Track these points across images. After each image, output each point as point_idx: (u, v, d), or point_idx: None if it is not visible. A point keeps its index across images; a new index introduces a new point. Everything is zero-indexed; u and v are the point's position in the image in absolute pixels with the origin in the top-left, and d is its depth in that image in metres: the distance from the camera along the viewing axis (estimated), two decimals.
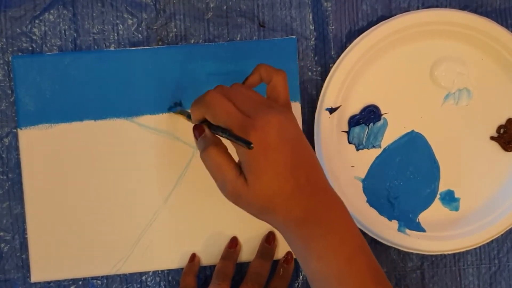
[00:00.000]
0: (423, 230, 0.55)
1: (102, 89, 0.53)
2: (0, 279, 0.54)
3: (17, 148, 0.54)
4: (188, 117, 0.51)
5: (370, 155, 0.56)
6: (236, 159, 0.43)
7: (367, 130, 0.55)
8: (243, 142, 0.40)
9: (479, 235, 0.55)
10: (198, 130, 0.44)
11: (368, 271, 0.43)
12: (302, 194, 0.41)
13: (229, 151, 0.43)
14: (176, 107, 0.54)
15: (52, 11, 0.54)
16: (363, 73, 0.55)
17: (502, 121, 0.56)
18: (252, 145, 0.39)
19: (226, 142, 0.43)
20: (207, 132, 0.44)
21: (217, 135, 0.43)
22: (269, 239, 0.54)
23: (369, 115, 0.55)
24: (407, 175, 0.56)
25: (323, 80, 0.55)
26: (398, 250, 0.56)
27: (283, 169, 0.40)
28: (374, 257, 0.44)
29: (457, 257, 0.57)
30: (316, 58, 0.55)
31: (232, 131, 0.41)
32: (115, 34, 0.54)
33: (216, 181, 0.43)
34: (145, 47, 0.54)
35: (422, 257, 0.57)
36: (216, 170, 0.43)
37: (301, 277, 0.56)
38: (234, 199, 0.43)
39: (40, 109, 0.53)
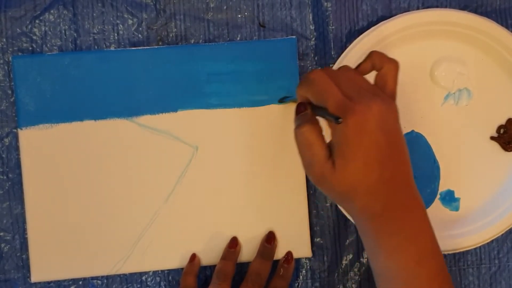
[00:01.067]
0: None
1: (102, 89, 0.53)
2: (0, 279, 0.54)
3: (17, 148, 0.54)
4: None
5: None
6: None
7: None
8: (333, 117, 0.39)
9: (479, 235, 0.55)
10: (300, 107, 0.44)
11: (437, 276, 0.42)
12: (384, 189, 0.41)
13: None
14: (287, 98, 0.54)
15: (52, 11, 0.54)
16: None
17: (502, 121, 0.56)
18: (340, 119, 0.39)
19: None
20: (308, 110, 0.43)
21: (316, 115, 0.43)
22: (269, 239, 0.54)
23: None
24: None
25: None
26: None
27: (373, 159, 0.40)
28: (444, 263, 0.43)
29: (457, 257, 0.57)
30: (316, 58, 0.55)
31: (328, 109, 0.40)
32: (115, 34, 0.54)
33: (303, 160, 0.43)
34: (145, 47, 0.54)
35: None
36: (307, 148, 0.42)
37: (301, 277, 0.56)
38: (317, 181, 0.42)
39: (40, 109, 0.53)
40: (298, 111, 0.44)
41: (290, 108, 0.54)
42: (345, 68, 0.44)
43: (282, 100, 0.54)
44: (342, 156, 0.40)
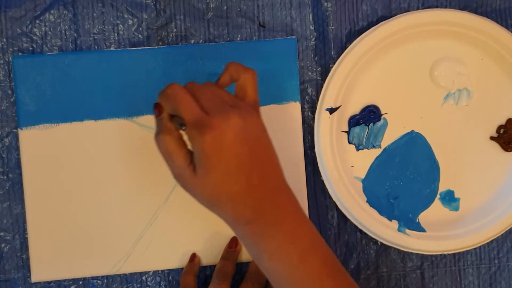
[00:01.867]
0: (423, 230, 0.55)
1: (102, 89, 0.53)
2: (0, 279, 0.54)
3: (17, 148, 0.54)
4: None
5: (370, 155, 0.56)
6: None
7: (367, 130, 0.55)
8: (179, 124, 0.41)
9: (479, 235, 0.55)
10: (157, 108, 0.44)
11: (324, 266, 0.43)
12: (252, 195, 0.41)
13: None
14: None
15: (52, 11, 0.54)
16: (363, 73, 0.55)
17: (502, 121, 0.56)
18: (184, 127, 0.40)
19: None
20: (164, 115, 0.44)
21: (173, 122, 0.44)
22: None
23: (369, 115, 0.55)
24: (407, 175, 0.56)
25: (323, 80, 0.55)
26: (398, 250, 0.56)
27: (234, 169, 0.40)
28: (331, 251, 0.44)
29: (457, 257, 0.57)
30: (316, 58, 0.55)
31: (184, 122, 0.41)
32: (116, 34, 0.54)
33: (167, 165, 0.44)
34: (145, 47, 0.54)
35: (422, 257, 0.57)
36: (167, 157, 0.43)
37: None
38: (182, 185, 0.43)
39: (41, 109, 0.53)
40: (155, 113, 0.45)
41: (290, 108, 0.54)
42: (207, 84, 0.45)
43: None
44: (202, 167, 0.41)
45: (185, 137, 0.43)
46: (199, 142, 0.40)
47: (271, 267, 0.43)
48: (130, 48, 0.54)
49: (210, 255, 0.55)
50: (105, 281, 0.55)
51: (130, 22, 0.54)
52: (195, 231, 0.54)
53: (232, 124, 0.40)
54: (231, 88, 0.46)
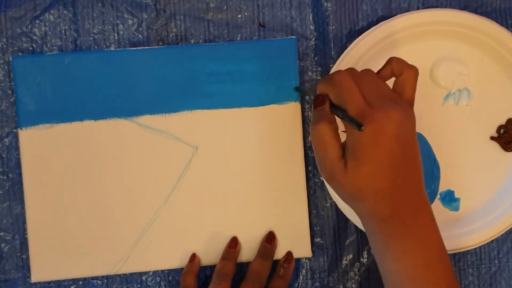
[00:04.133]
0: None
1: (102, 89, 0.53)
2: (0, 279, 0.54)
3: (17, 148, 0.54)
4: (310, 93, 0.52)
5: None
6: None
7: None
8: (355, 123, 0.40)
9: (479, 235, 0.55)
10: (318, 100, 0.44)
11: (445, 280, 0.42)
12: (394, 194, 0.41)
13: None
14: (303, 86, 0.54)
15: (52, 11, 0.54)
16: None
17: (502, 121, 0.56)
18: (363, 127, 0.39)
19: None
20: (326, 105, 0.43)
21: (333, 113, 0.43)
22: (269, 239, 0.54)
23: None
24: None
25: None
26: None
27: (386, 166, 0.40)
28: (452, 267, 0.44)
29: (457, 257, 0.57)
30: (316, 58, 0.55)
31: (348, 112, 0.41)
32: (115, 34, 0.54)
33: (316, 156, 0.43)
34: (145, 47, 0.54)
35: None
36: (321, 146, 0.43)
37: (301, 277, 0.56)
38: (328, 178, 0.43)
39: (41, 109, 0.53)
40: (316, 104, 0.44)
41: (290, 108, 0.54)
42: (367, 71, 0.44)
43: (298, 88, 0.54)
44: (354, 159, 0.41)
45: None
46: (358, 133, 0.40)
47: (393, 270, 0.42)
48: (130, 48, 0.54)
49: (210, 255, 0.55)
50: (105, 281, 0.55)
51: (130, 22, 0.54)
52: (195, 231, 0.54)
53: (392, 120, 0.40)
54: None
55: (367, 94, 0.41)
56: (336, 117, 0.43)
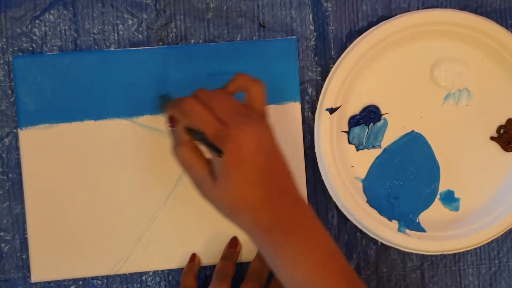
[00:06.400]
0: (423, 230, 0.55)
1: (102, 89, 0.53)
2: (0, 279, 0.54)
3: (17, 148, 0.54)
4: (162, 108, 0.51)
5: (370, 155, 0.56)
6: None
7: (367, 130, 0.55)
8: (214, 150, 0.41)
9: (479, 235, 0.55)
10: (170, 122, 0.45)
11: (342, 275, 0.43)
12: (270, 203, 0.42)
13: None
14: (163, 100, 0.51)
15: (52, 11, 0.54)
16: (363, 73, 0.55)
17: (502, 121, 0.56)
18: (222, 154, 0.40)
19: None
20: (179, 128, 0.44)
21: (190, 136, 0.44)
22: None
23: (369, 115, 0.55)
24: (407, 175, 0.56)
25: (323, 80, 0.55)
26: (398, 250, 0.56)
27: (254, 178, 0.41)
28: (346, 261, 0.44)
29: (457, 257, 0.57)
30: (316, 58, 0.55)
31: (206, 136, 0.42)
32: (115, 34, 0.54)
33: (188, 176, 0.45)
34: (145, 47, 0.54)
35: (422, 257, 0.57)
36: (187, 167, 0.44)
37: None
38: (202, 196, 0.44)
39: (41, 109, 0.53)
40: (168, 125, 0.46)
41: (290, 108, 0.54)
42: (216, 91, 0.45)
43: (162, 97, 0.50)
44: (221, 177, 0.41)
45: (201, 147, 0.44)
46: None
47: (288, 275, 0.43)
48: (130, 48, 0.54)
49: (210, 255, 0.55)
50: (105, 281, 0.55)
51: (130, 22, 0.54)
52: (195, 231, 0.54)
53: (250, 135, 0.41)
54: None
55: (219, 113, 0.42)
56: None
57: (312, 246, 0.43)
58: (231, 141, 0.41)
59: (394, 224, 0.55)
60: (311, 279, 0.42)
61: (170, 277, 0.55)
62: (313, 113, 0.55)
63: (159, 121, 0.54)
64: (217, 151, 0.40)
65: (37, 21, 0.54)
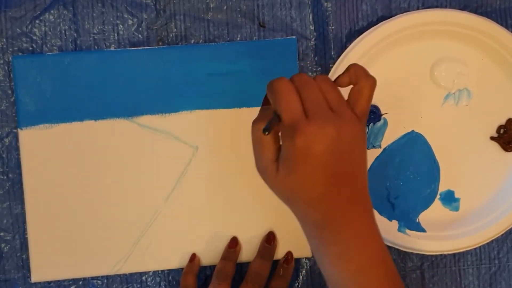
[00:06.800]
0: (423, 230, 0.55)
1: (102, 89, 0.53)
2: (0, 279, 0.54)
3: (17, 148, 0.54)
4: None
5: (370, 155, 0.56)
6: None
7: (367, 130, 0.55)
8: (277, 118, 0.40)
9: (479, 235, 0.55)
10: (265, 100, 0.44)
11: (386, 282, 0.42)
12: (327, 202, 0.40)
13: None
14: None
15: (52, 11, 0.54)
16: None
17: (502, 121, 0.56)
18: (267, 131, 0.39)
19: None
20: (271, 107, 0.42)
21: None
22: (269, 239, 0.54)
23: (369, 115, 0.55)
24: (407, 175, 0.56)
25: None
26: (398, 250, 0.56)
27: (317, 177, 0.39)
28: (396, 270, 0.43)
29: (457, 257, 0.57)
30: (316, 58, 0.55)
31: (283, 121, 0.40)
32: (115, 34, 0.54)
33: (254, 152, 0.43)
34: (145, 47, 0.54)
35: (422, 257, 0.57)
36: (257, 145, 0.42)
37: (301, 277, 0.56)
38: (262, 176, 0.43)
39: (41, 109, 0.53)
40: (263, 103, 0.44)
41: None
42: (322, 78, 0.42)
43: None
44: (285, 167, 0.40)
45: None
46: (290, 143, 0.39)
47: (331, 273, 0.42)
48: (130, 48, 0.54)
49: (210, 255, 0.55)
50: (105, 281, 0.55)
51: (130, 22, 0.54)
52: (195, 231, 0.54)
53: (326, 134, 0.39)
54: None
55: (307, 104, 0.40)
56: None
57: (361, 249, 0.42)
58: (304, 135, 0.38)
59: (394, 224, 0.55)
60: (352, 281, 0.41)
61: (170, 277, 0.55)
62: None
63: (159, 121, 0.54)
64: (278, 118, 0.39)
65: (37, 21, 0.54)
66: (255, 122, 0.42)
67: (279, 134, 0.41)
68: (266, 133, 0.40)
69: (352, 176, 0.41)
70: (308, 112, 0.39)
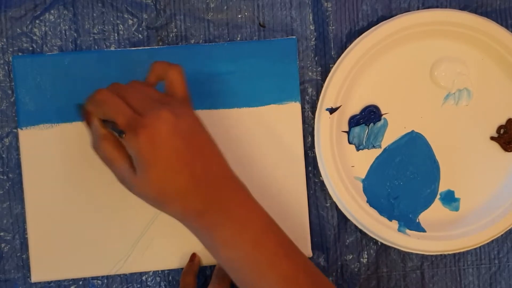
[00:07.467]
0: (423, 230, 0.55)
1: None
2: (0, 279, 0.54)
3: (17, 148, 0.54)
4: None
5: (370, 155, 0.56)
6: None
7: (367, 130, 0.55)
8: (117, 131, 0.41)
9: (479, 235, 0.55)
10: (86, 116, 0.45)
11: (279, 248, 0.43)
12: (198, 186, 0.41)
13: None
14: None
15: (52, 11, 0.54)
16: (363, 73, 0.55)
17: (502, 121, 0.56)
18: (123, 134, 0.40)
19: None
20: (95, 122, 0.44)
21: (107, 128, 0.44)
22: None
23: (369, 115, 0.55)
24: (407, 175, 0.56)
25: (323, 80, 0.55)
26: (398, 250, 0.56)
27: (175, 163, 0.40)
28: (285, 234, 0.44)
29: (457, 257, 0.57)
30: (316, 58, 0.55)
31: (117, 125, 0.41)
32: (116, 34, 0.54)
33: (111, 170, 0.44)
34: (145, 47, 0.54)
35: (422, 257, 0.57)
36: (108, 163, 0.43)
37: None
38: (128, 189, 0.43)
39: (41, 109, 0.53)
40: (84, 121, 0.45)
41: (290, 108, 0.54)
42: (133, 82, 0.45)
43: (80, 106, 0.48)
44: (140, 167, 0.41)
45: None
46: (135, 143, 0.40)
47: (227, 259, 0.43)
48: (130, 48, 0.54)
49: (210, 255, 0.54)
50: (105, 281, 0.55)
51: (130, 22, 0.54)
52: None
53: (164, 120, 0.40)
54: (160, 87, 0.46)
55: (134, 103, 0.42)
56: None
57: (246, 224, 0.42)
58: (144, 128, 0.40)
59: (394, 224, 0.55)
60: (249, 258, 0.42)
61: (170, 277, 0.55)
62: (313, 113, 0.55)
63: None
64: (119, 132, 0.40)
65: (37, 21, 0.54)
66: (94, 144, 0.44)
67: (122, 143, 0.43)
68: (123, 135, 0.41)
69: (210, 153, 0.43)
70: (139, 109, 0.41)
